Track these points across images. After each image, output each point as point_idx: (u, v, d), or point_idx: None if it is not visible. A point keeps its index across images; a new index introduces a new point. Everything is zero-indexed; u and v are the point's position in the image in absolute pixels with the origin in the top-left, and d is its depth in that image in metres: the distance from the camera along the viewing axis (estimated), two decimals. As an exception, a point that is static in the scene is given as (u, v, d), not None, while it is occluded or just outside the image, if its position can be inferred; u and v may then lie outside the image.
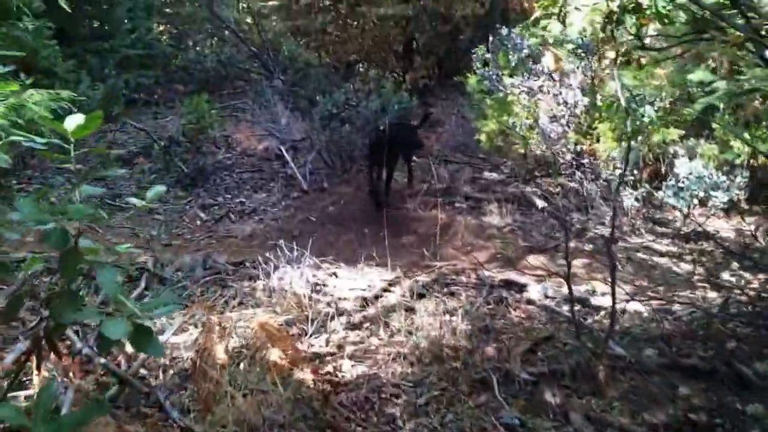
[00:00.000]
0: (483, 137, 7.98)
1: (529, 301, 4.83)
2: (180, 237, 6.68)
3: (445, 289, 5.01)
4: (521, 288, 5.04)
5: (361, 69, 13.02)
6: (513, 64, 7.66)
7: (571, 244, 6.55)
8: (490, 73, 7.88)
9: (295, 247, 5.14)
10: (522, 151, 7.69)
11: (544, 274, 5.24)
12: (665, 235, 6.83)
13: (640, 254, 6.44)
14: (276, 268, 4.85)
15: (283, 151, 8.50)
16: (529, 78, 7.46)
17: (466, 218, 6.95)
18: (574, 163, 7.36)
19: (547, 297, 4.91)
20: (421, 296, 4.82)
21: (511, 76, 7.75)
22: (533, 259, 6.11)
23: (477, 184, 8.06)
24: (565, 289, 5.03)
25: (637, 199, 6.86)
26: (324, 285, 4.90)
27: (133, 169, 8.38)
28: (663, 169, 7.29)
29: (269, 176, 8.35)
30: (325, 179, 8.05)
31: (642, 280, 5.77)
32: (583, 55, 7.10)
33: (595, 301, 4.86)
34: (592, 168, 7.43)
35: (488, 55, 8.00)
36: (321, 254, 5.96)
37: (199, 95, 9.20)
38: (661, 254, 6.42)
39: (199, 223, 7.00)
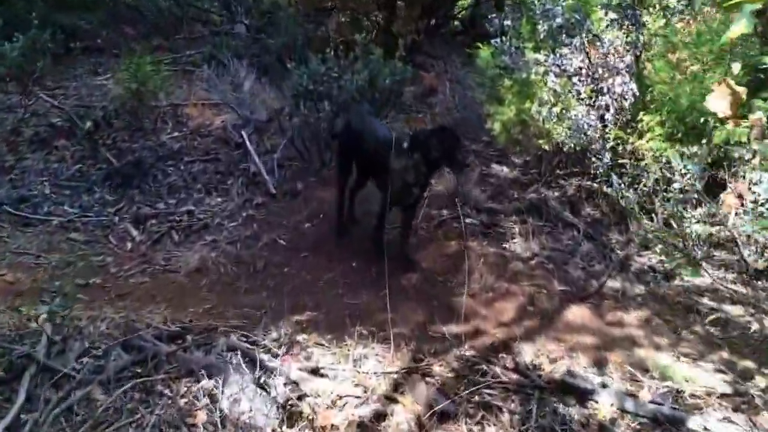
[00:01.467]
0: (497, 127, 6.32)
1: (603, 428, 3.31)
2: (102, 270, 4.99)
3: (476, 398, 3.46)
4: (584, 396, 3.52)
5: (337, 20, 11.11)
6: (541, 35, 5.96)
7: (616, 284, 5.04)
8: (508, 45, 6.19)
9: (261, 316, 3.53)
10: (546, 147, 6.06)
11: (613, 364, 3.74)
12: (730, 266, 5.33)
13: (706, 300, 4.96)
14: (226, 381, 3.25)
15: (245, 138, 6.74)
16: (560, 56, 5.79)
17: (482, 244, 5.37)
18: (611, 165, 5.79)
19: (625, 412, 3.41)
20: (443, 417, 3.28)
21: (536, 50, 6.07)
22: (575, 313, 4.61)
23: (488, 184, 6.44)
24: (644, 392, 3.55)
25: (703, 222, 5.33)
26: (300, 399, 3.32)
27: (50, 155, 6.58)
28: (726, 179, 5.72)
29: (227, 169, 6.62)
30: (298, 178, 6.36)
31: (720, 351, 4.30)
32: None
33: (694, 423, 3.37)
34: (635, 172, 5.86)
35: (507, 22, 6.27)
36: (294, 308, 4.40)
37: (141, 57, 7.35)
38: (733, 300, 4.96)
39: (129, 246, 5.31)
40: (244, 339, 3.99)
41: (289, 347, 3.93)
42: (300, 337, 4.05)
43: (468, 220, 5.72)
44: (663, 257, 5.35)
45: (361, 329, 4.15)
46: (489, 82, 6.60)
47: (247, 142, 6.67)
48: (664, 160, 5.44)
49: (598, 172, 5.94)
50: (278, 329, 4.15)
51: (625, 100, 5.34)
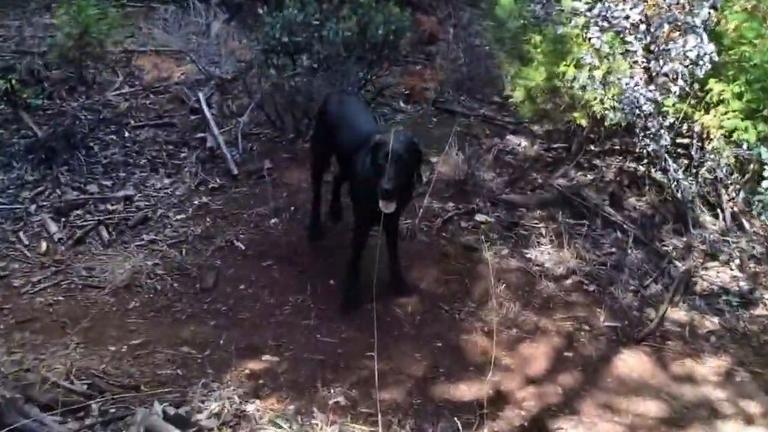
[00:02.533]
0: (519, 94, 5.03)
1: None
2: (2, 284, 3.76)
3: None
4: None
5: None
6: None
7: (680, 315, 3.85)
8: (538, -12, 4.89)
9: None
10: (584, 122, 4.79)
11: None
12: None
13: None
14: None
15: (202, 102, 5.43)
16: (607, 5, 4.49)
17: (500, 253, 4.15)
18: (670, 147, 4.55)
19: None
20: None
21: (575, -5, 4.77)
22: (630, 363, 3.45)
23: (504, 164, 5.18)
24: None
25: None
26: None
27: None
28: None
29: (181, 137, 5.33)
30: (267, 153, 5.10)
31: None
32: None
33: None
34: (698, 157, 4.63)
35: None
36: (248, 349, 3.23)
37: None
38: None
39: (44, 247, 4.06)
40: (174, 408, 2.81)
41: (235, 426, 2.75)
42: (251, 407, 2.87)
43: (481, 218, 4.48)
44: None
45: (338, 393, 2.98)
46: (510, 35, 5.28)
47: (204, 107, 5.36)
48: (744, 145, 4.21)
49: (644, 152, 4.69)
50: (223, 390, 2.96)
51: (699, 66, 4.03)
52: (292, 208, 4.46)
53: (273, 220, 4.36)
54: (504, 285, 3.86)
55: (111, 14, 6.25)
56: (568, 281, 3.99)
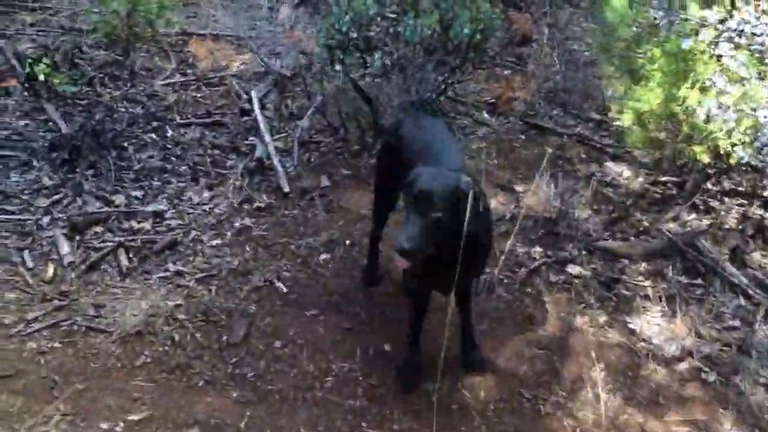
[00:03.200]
0: (627, 118, 4.16)
1: None
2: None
3: None
4: None
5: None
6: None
7: None
8: (659, -7, 4.04)
9: None
10: (706, 159, 3.90)
11: None
12: None
13: None
14: None
15: (254, 102, 4.75)
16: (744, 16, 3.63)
17: (597, 321, 3.34)
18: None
19: None
20: None
21: (706, 3, 3.91)
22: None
23: (602, 198, 4.34)
24: None
25: None
26: None
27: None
28: None
29: (231, 141, 4.68)
30: (324, 167, 4.40)
31: None
32: None
33: None
34: None
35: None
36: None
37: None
38: None
39: (51, 272, 3.43)
40: None
41: None
42: None
43: (575, 270, 3.66)
44: None
45: None
46: (620, 45, 4.40)
47: (256, 108, 4.67)
48: None
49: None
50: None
51: None
52: (348, 241, 3.74)
53: (324, 256, 3.65)
54: (601, 367, 3.05)
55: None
56: (682, 366, 3.16)
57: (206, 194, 4.15)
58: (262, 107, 4.75)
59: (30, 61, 4.68)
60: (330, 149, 4.59)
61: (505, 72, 5.90)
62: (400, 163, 2.96)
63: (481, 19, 4.58)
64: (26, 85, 4.61)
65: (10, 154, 4.23)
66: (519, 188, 4.19)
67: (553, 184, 4.08)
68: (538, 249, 3.75)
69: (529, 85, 5.53)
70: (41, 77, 4.68)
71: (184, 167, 4.38)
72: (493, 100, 5.30)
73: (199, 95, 5.27)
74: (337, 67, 4.32)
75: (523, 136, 4.94)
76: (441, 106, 4.89)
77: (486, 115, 5.20)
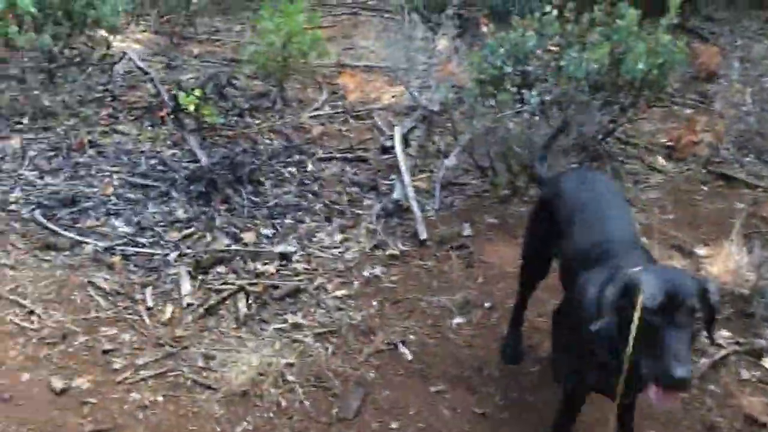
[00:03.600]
0: None
1: None
2: (103, 361, 2.96)
3: None
4: None
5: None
6: None
7: None
8: None
9: None
10: None
11: None
12: None
13: None
14: None
15: (395, 139, 4.40)
16: None
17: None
18: None
19: None
20: None
21: None
22: None
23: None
24: None
25: None
26: None
27: (141, 134, 4.72)
28: None
29: (369, 179, 4.37)
30: (468, 214, 3.96)
31: None
32: None
33: None
34: None
35: None
36: None
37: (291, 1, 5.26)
38: None
39: (169, 313, 3.21)
40: None
41: None
42: None
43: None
44: None
45: None
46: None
47: (397, 145, 4.33)
48: None
49: None
50: None
51: None
52: (488, 304, 3.26)
53: (457, 320, 3.19)
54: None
55: (319, 22, 5.50)
56: None
57: (338, 237, 3.83)
58: (406, 144, 4.42)
59: (181, 92, 4.63)
60: (475, 193, 4.16)
61: (686, 111, 5.22)
62: (557, 223, 2.44)
63: (660, 53, 3.97)
64: (175, 115, 4.55)
65: (152, 184, 4.14)
66: (701, 252, 3.52)
67: (747, 250, 3.35)
68: (726, 333, 3.05)
69: (716, 126, 4.79)
70: (191, 108, 4.62)
71: (319, 205, 4.11)
72: (670, 144, 4.64)
73: (344, 128, 5.03)
74: (489, 103, 3.87)
75: (706, 187, 4.25)
76: (608, 148, 4.30)
77: (661, 161, 4.55)
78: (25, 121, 4.69)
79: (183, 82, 5.46)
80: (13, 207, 3.77)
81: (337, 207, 4.10)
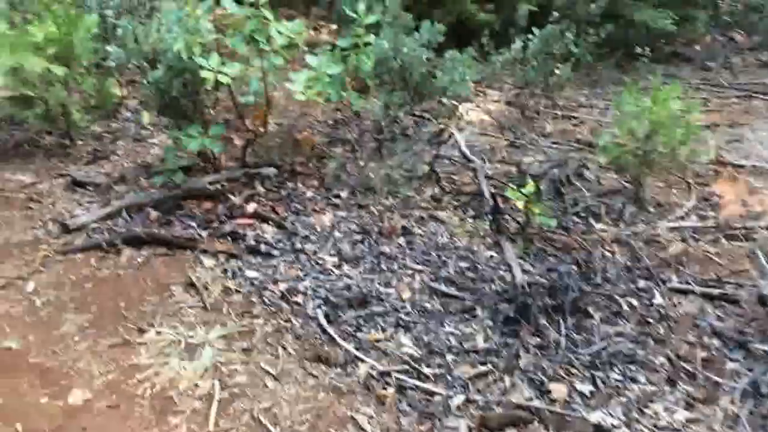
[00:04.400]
0: None
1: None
2: None
3: None
4: None
5: None
6: None
7: None
8: None
9: None
10: None
11: None
12: None
13: None
14: None
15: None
16: None
17: None
18: None
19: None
20: None
21: None
22: None
23: None
24: None
25: None
26: None
27: (463, 222, 4.14)
28: None
29: (737, 334, 3.20)
30: None
31: None
32: None
33: None
34: None
35: None
36: None
37: (674, 82, 4.38)
38: None
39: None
40: None
41: None
42: None
43: None
44: None
45: None
46: None
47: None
48: None
49: None
50: None
51: None
52: None
53: None
54: None
55: (698, 109, 4.44)
56: None
57: (680, 414, 2.75)
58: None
59: (510, 185, 3.94)
60: None
61: None
62: None
63: None
64: (494, 215, 3.86)
65: (455, 294, 3.48)
66: None
67: None
68: None
69: None
70: (518, 204, 3.91)
71: (661, 358, 3.06)
72: None
73: (712, 251, 3.89)
74: None
75: None
76: None
77: None
78: (344, 194, 4.40)
79: (522, 165, 4.81)
80: (299, 299, 3.36)
81: (686, 366, 3.01)
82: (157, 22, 4.27)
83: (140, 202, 4.16)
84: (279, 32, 4.07)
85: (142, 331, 3.07)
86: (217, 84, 3.98)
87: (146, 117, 5.22)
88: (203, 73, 3.86)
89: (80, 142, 5.08)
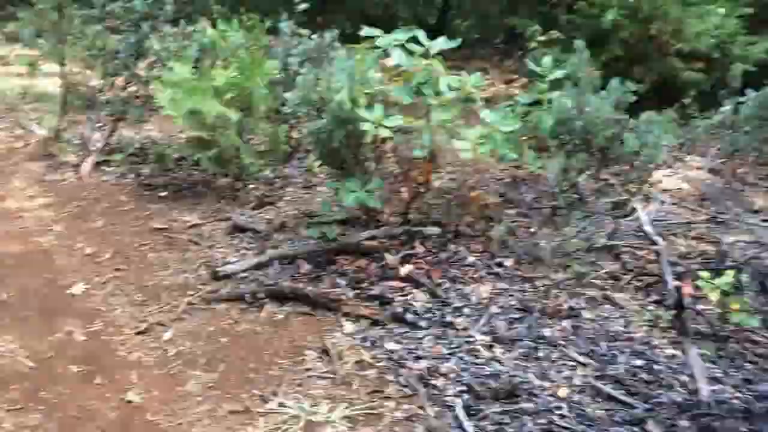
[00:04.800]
0: None
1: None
2: None
3: None
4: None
5: None
6: None
7: None
8: None
9: None
10: None
11: None
12: None
13: None
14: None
15: None
16: None
17: None
18: None
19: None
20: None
21: None
22: None
23: None
24: None
25: None
26: None
27: (642, 308, 3.57)
28: None
29: None
30: None
31: None
32: None
33: None
34: None
35: None
36: None
37: None
38: None
39: None
40: None
41: None
42: None
43: None
44: None
45: None
46: None
47: None
48: None
49: None
50: None
51: None
52: None
53: None
54: None
55: None
56: None
57: None
58: None
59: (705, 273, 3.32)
60: None
61: None
62: None
63: None
64: (677, 308, 3.23)
65: (623, 399, 2.91)
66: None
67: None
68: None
69: None
70: (711, 298, 3.28)
71: None
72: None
73: None
74: None
75: None
76: None
77: None
78: (508, 263, 3.98)
79: (723, 245, 4.13)
80: (438, 382, 2.98)
81: None
82: (328, 71, 4.17)
83: (294, 253, 4.03)
84: (449, 86, 3.80)
85: (264, 401, 2.84)
86: (380, 137, 3.78)
87: (316, 164, 5.16)
88: (364, 126, 3.67)
89: (251, 187, 5.11)
